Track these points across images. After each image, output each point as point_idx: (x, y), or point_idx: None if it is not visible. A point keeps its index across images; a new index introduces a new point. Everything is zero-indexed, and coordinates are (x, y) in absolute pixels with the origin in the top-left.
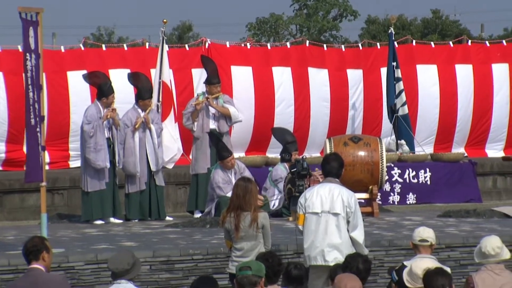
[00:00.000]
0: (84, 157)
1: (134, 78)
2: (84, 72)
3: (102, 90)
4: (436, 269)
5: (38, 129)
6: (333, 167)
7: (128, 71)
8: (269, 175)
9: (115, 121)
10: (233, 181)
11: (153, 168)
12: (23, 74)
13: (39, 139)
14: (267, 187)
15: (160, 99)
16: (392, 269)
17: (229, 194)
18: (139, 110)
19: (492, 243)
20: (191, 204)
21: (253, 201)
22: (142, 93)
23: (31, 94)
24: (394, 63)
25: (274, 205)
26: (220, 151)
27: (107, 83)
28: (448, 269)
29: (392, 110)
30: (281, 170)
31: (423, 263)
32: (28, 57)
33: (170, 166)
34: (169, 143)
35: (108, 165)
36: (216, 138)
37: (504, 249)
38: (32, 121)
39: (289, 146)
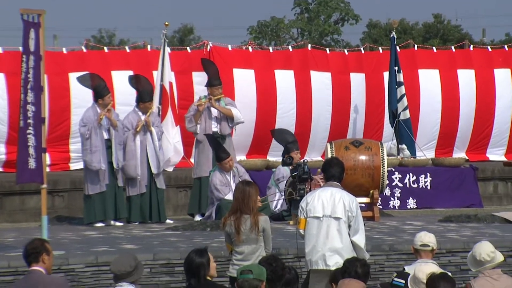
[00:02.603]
0: (83, 160)
1: (135, 81)
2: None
3: (97, 92)
4: (440, 274)
5: (29, 131)
6: (334, 171)
7: (131, 73)
8: (272, 175)
9: (112, 121)
10: (232, 184)
11: (154, 171)
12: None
13: (31, 141)
14: (270, 186)
15: (161, 102)
16: (383, 285)
17: (227, 197)
18: (140, 113)
19: (485, 249)
20: (192, 207)
21: (252, 205)
22: (143, 96)
23: (22, 96)
24: (396, 68)
25: (276, 206)
26: (218, 152)
27: (101, 84)
28: (449, 274)
29: (394, 115)
30: (284, 170)
31: (427, 268)
32: (24, 59)
33: (170, 169)
34: (165, 146)
35: (103, 166)
36: (214, 139)
37: (496, 252)
38: (21, 122)
39: (290, 146)
